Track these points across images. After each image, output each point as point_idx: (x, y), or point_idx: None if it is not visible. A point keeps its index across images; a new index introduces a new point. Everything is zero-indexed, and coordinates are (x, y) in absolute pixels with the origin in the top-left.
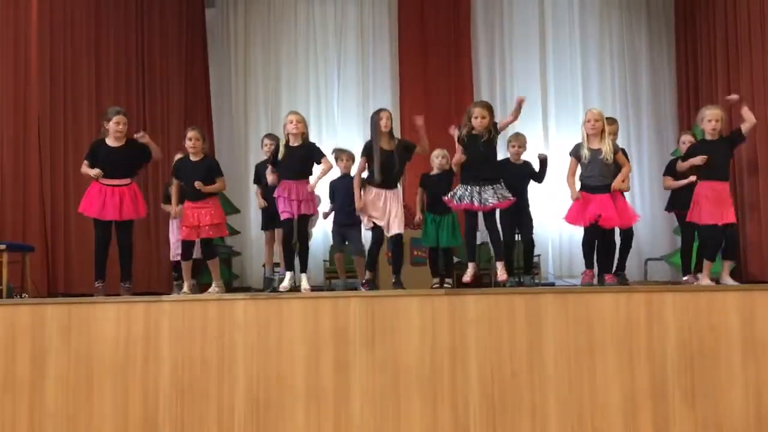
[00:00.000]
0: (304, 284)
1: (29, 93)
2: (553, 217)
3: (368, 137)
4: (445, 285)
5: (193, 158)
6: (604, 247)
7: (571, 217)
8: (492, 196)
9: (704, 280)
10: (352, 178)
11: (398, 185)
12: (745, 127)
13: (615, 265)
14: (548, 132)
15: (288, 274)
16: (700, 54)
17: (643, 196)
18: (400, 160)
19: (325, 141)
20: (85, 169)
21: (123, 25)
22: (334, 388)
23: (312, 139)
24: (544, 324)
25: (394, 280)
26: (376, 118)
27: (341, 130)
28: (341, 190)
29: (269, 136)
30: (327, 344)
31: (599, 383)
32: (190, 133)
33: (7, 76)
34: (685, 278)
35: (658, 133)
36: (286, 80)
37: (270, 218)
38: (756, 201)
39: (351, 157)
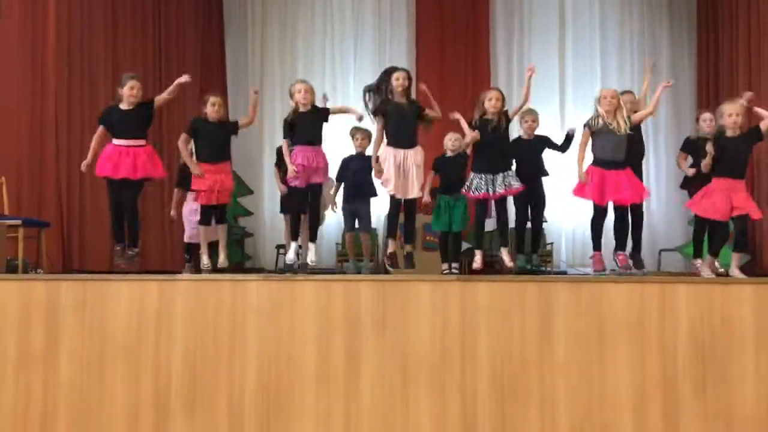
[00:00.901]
0: (311, 255)
1: (46, 69)
2: (566, 206)
3: None
4: (453, 270)
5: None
6: (617, 223)
7: (581, 191)
8: (500, 185)
9: (705, 270)
10: (364, 157)
11: (416, 145)
12: (764, 125)
13: (630, 246)
14: (565, 112)
15: (293, 245)
16: (721, 35)
17: (658, 185)
18: (413, 116)
19: (340, 120)
20: (95, 144)
21: (140, 2)
22: (344, 372)
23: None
24: (555, 313)
25: (405, 253)
26: (390, 73)
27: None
28: (352, 168)
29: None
30: (338, 327)
31: (610, 374)
32: (213, 99)
33: (25, 51)
34: (695, 264)
35: (676, 118)
36: (302, 59)
37: (288, 201)
38: None
39: (366, 136)
